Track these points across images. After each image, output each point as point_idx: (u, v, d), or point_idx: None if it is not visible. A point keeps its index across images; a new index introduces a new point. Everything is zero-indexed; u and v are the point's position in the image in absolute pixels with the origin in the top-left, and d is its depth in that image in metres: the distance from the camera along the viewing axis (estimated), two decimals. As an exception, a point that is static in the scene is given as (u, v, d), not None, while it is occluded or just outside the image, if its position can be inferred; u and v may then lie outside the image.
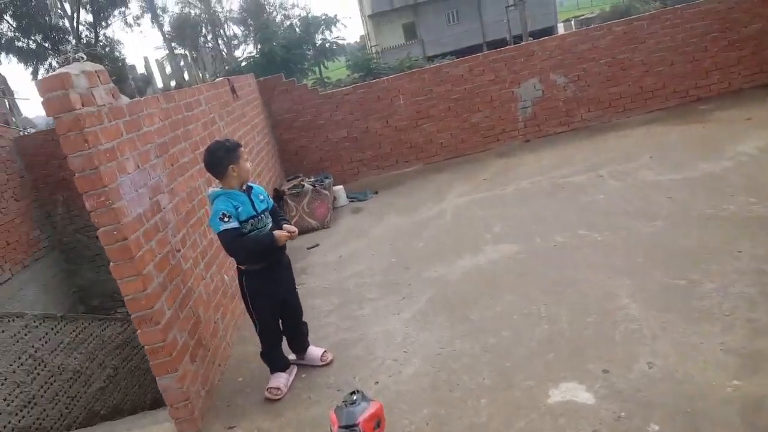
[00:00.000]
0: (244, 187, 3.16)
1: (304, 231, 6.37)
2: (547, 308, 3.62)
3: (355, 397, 2.49)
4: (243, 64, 26.97)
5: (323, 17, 31.77)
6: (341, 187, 7.26)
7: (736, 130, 6.53)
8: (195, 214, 3.95)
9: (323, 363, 3.53)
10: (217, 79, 5.78)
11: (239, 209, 3.07)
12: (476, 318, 3.69)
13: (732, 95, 8.15)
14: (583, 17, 48.87)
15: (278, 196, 6.82)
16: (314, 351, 3.59)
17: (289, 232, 3.20)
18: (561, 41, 8.01)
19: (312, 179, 7.21)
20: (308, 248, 5.86)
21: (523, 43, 8.03)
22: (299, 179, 7.16)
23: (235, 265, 3.33)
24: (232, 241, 3.03)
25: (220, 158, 3.06)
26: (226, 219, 2.99)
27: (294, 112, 8.00)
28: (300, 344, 3.59)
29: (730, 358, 2.80)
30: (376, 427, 2.41)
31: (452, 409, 2.85)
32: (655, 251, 4.05)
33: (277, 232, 3.16)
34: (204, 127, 4.71)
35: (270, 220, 3.28)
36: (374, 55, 27.65)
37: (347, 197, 7.25)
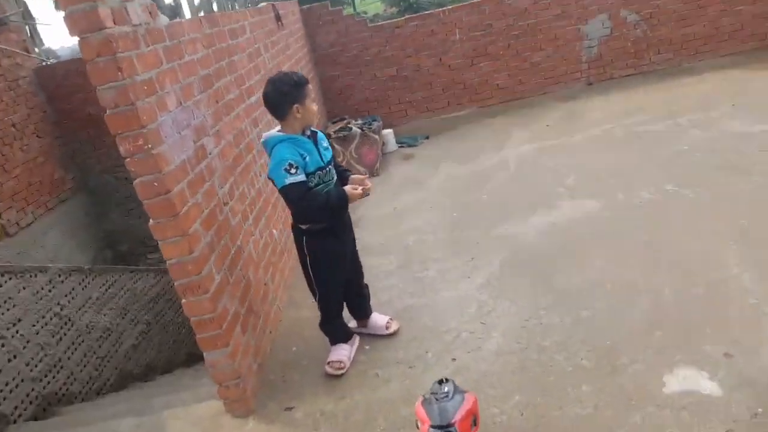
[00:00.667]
0: (308, 132, 2.70)
1: (352, 178, 5.98)
2: (644, 276, 3.19)
3: (446, 389, 2.07)
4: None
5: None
6: (390, 130, 6.78)
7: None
8: (242, 160, 3.55)
9: (388, 332, 3.17)
10: (261, 4, 5.24)
11: (306, 159, 2.60)
12: (562, 286, 3.29)
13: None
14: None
15: (324, 139, 6.39)
16: (378, 318, 3.22)
17: (363, 188, 2.76)
18: (636, -29, 7.14)
19: (359, 122, 6.73)
20: (358, 197, 5.47)
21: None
22: (345, 121, 6.69)
23: (290, 222, 2.91)
24: (302, 198, 2.57)
25: (285, 94, 2.57)
26: (293, 170, 2.53)
27: (339, 46, 7.41)
28: (362, 310, 3.23)
29: None
30: (472, 425, 2.05)
31: (549, 397, 2.49)
32: (759, 212, 3.55)
33: (349, 190, 2.72)
34: (249, 59, 4.24)
35: (334, 171, 2.87)
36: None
37: (396, 142, 6.78)
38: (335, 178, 2.83)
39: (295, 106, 2.58)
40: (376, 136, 6.31)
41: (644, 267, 3.28)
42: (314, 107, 2.70)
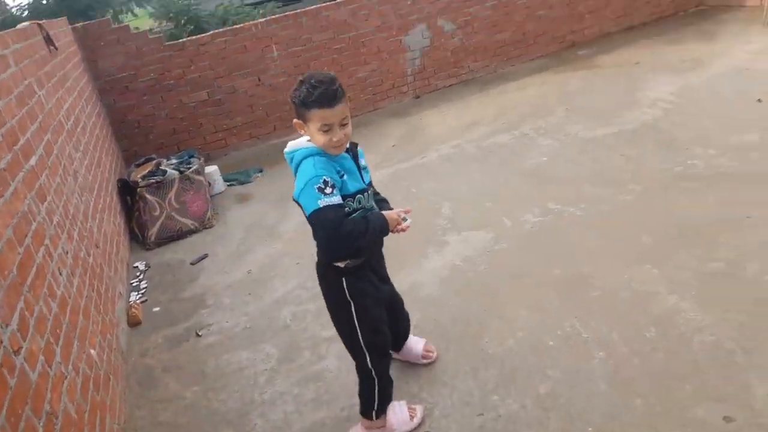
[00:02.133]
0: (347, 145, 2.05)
1: (176, 236, 4.77)
2: (582, 324, 2.79)
3: None
4: (25, 12, 21.45)
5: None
6: (215, 167, 5.64)
7: (632, 75, 6.37)
8: (33, 262, 2.29)
9: (426, 362, 2.73)
10: (22, 24, 3.80)
11: (344, 177, 2.01)
12: (498, 353, 2.72)
13: (603, 39, 8.12)
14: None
15: (128, 189, 5.03)
16: (414, 343, 2.73)
17: (400, 213, 2.18)
18: (446, -19, 7.09)
19: (173, 161, 5.47)
20: (192, 263, 4.31)
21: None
22: (154, 162, 5.37)
23: (318, 263, 2.21)
24: (339, 225, 1.91)
25: (295, 105, 2.00)
26: (328, 190, 1.91)
27: (131, 70, 6.00)
28: (400, 340, 2.70)
29: None
30: None
31: None
32: (655, 226, 3.45)
33: (390, 215, 2.14)
34: (20, 103, 2.93)
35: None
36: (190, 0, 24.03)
37: (224, 180, 5.68)
38: (374, 206, 2.19)
39: (305, 122, 1.99)
40: (200, 177, 5.16)
41: (575, 310, 2.89)
42: (325, 138, 1.95)
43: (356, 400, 2.44)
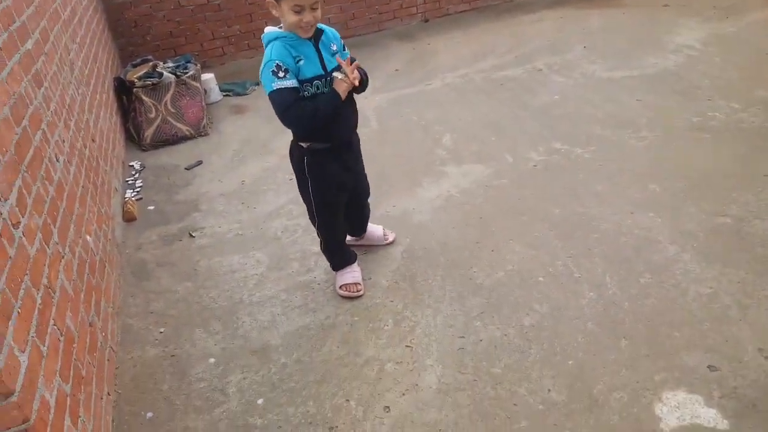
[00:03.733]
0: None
1: (171, 140, 4.63)
2: (576, 263, 2.74)
3: None
4: None
5: None
6: (211, 75, 5.40)
7: (659, 17, 6.03)
8: (30, 144, 2.19)
9: (387, 242, 3.02)
10: None
11: (300, 63, 2.17)
12: (486, 283, 2.68)
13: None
14: None
15: (124, 89, 4.82)
16: (374, 229, 3.00)
17: (350, 74, 2.21)
18: None
19: (170, 64, 5.21)
20: (187, 168, 4.21)
21: None
22: (151, 64, 5.12)
23: (291, 141, 2.50)
24: (290, 106, 2.14)
25: None
26: (281, 74, 2.12)
27: (127, -36, 5.63)
28: (361, 228, 2.96)
29: None
30: None
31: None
32: (665, 175, 3.33)
33: (336, 82, 2.23)
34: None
35: None
36: None
37: (220, 90, 5.45)
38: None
39: (278, 2, 2.11)
40: (197, 84, 4.94)
41: (570, 249, 2.83)
42: (295, 18, 2.08)
43: (341, 311, 2.64)
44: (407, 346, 2.40)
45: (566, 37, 5.81)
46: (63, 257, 2.20)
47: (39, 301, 1.81)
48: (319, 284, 2.83)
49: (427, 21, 6.96)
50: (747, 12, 5.82)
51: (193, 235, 3.36)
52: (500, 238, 2.98)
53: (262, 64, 2.18)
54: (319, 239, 2.76)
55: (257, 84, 5.62)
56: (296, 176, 2.55)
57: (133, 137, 4.71)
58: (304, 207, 3.36)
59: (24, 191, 1.96)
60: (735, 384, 2.05)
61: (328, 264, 2.79)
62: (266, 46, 2.19)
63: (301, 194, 2.61)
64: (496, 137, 4.03)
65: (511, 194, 3.36)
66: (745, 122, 3.79)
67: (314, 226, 2.69)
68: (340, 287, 2.70)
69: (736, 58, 4.77)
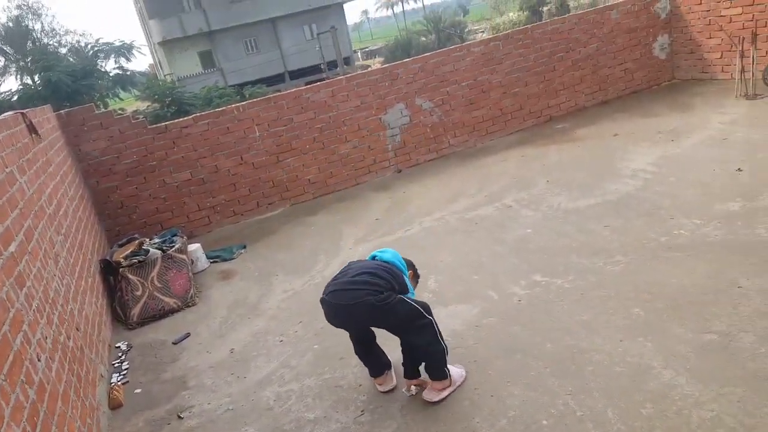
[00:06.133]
0: None
1: (159, 315, 4.63)
2: (576, 401, 2.69)
3: None
4: (14, 98, 21.93)
5: (118, 43, 27.43)
6: (198, 244, 5.58)
7: (611, 146, 6.54)
8: (10, 352, 2.19)
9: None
10: (5, 115, 3.84)
11: None
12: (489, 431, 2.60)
13: (579, 113, 8.41)
14: (367, 48, 51.70)
15: (110, 270, 4.92)
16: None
17: None
18: (423, 63, 7.37)
19: (156, 240, 5.41)
20: (175, 342, 4.17)
21: (387, 65, 7.25)
22: (136, 242, 5.31)
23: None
24: None
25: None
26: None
27: (114, 153, 6.06)
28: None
29: None
30: None
31: None
32: (646, 297, 3.41)
33: None
34: (1, 189, 2.90)
35: None
36: (174, 83, 24.82)
37: (207, 257, 5.60)
38: None
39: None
40: (183, 256, 5.09)
41: (568, 386, 2.79)
42: None
43: None
44: None
45: (530, 173, 6.22)
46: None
47: None
48: (317, 455, 2.70)
49: (400, 171, 7.43)
50: (689, 133, 6.37)
51: (182, 416, 3.24)
52: (498, 382, 2.94)
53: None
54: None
55: (244, 247, 5.80)
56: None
57: (120, 317, 4.70)
58: (297, 370, 3.42)
59: (2, 402, 1.92)
60: None
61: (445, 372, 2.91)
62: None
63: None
64: (477, 275, 4.14)
65: (501, 332, 3.38)
66: (710, 236, 3.98)
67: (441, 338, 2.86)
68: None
69: (688, 177, 5.12)
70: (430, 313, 2.83)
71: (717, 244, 3.85)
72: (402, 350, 3.00)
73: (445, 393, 2.89)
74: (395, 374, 3.13)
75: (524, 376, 2.94)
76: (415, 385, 2.99)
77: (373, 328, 3.03)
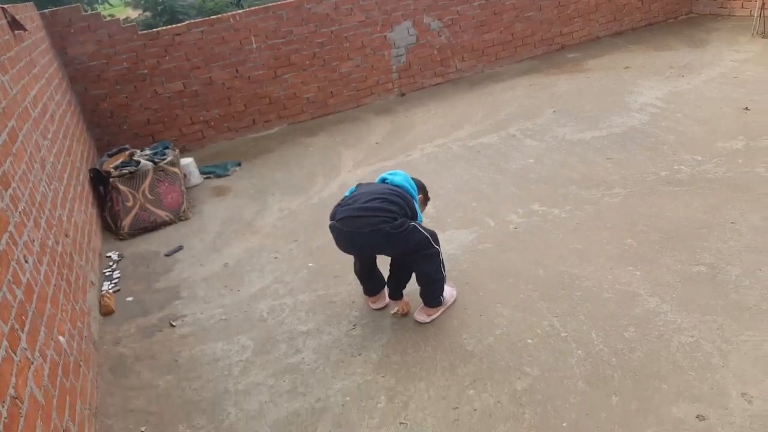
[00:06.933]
0: None
1: (150, 227, 4.61)
2: (562, 323, 2.74)
3: None
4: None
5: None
6: (191, 159, 5.49)
7: (622, 79, 6.36)
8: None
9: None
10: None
11: None
12: (477, 348, 2.65)
13: (592, 43, 8.11)
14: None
15: (100, 180, 4.86)
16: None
17: None
18: (433, -23, 7.01)
19: (147, 152, 5.31)
20: (167, 254, 4.17)
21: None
22: (127, 152, 5.21)
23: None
24: None
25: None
26: None
27: (103, 58, 5.82)
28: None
29: (840, 378, 2.21)
30: None
31: None
32: (641, 228, 3.41)
33: None
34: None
35: None
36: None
37: (201, 172, 5.53)
38: None
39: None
40: (176, 169, 5.01)
41: (556, 309, 2.83)
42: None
43: (332, 391, 2.56)
44: (401, 423, 2.34)
45: (537, 102, 6.07)
46: (32, 363, 2.12)
47: (5, 414, 1.72)
48: (308, 365, 2.76)
49: (403, 95, 7.23)
50: (701, 70, 6.18)
51: (174, 324, 3.28)
52: (488, 303, 2.98)
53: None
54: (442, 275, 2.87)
55: (239, 164, 5.72)
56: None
57: (111, 227, 4.68)
58: (290, 286, 3.44)
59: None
60: (721, 429, 2.03)
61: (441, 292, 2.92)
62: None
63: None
64: (477, 203, 4.11)
65: (495, 257, 3.39)
66: (709, 173, 3.93)
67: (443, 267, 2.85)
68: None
69: (696, 113, 5.00)
70: (438, 243, 2.81)
71: (716, 181, 3.81)
72: (391, 271, 3.01)
73: (436, 314, 2.93)
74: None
75: (514, 298, 2.98)
76: (401, 309, 3.01)
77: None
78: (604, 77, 6.53)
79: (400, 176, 2.98)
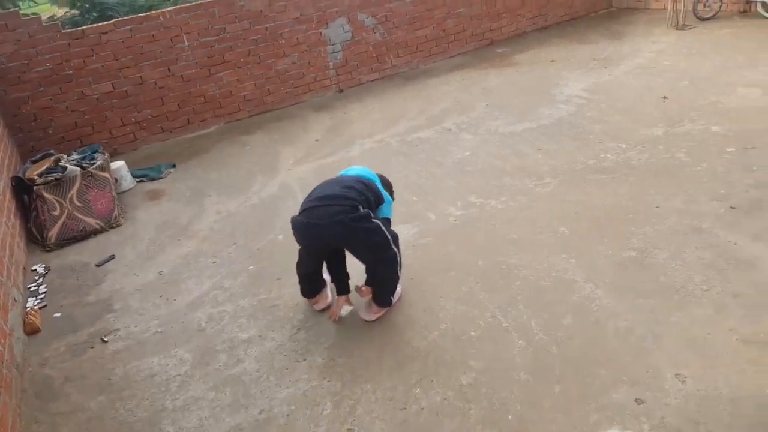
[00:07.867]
0: None
1: (80, 237, 4.39)
2: (503, 313, 2.81)
3: None
4: None
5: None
6: (122, 162, 5.26)
7: (548, 72, 6.58)
8: None
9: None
10: None
11: None
12: (422, 346, 2.69)
13: (519, 38, 8.35)
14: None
15: (23, 188, 4.57)
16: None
17: None
18: (363, -26, 7.00)
19: (74, 156, 5.04)
20: (98, 264, 3.98)
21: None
22: (53, 158, 4.92)
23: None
24: None
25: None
26: None
27: (23, 59, 5.47)
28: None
29: (752, 350, 2.39)
30: None
31: None
32: (572, 216, 3.56)
33: None
34: None
35: None
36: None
37: (133, 176, 5.31)
38: None
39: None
40: (106, 174, 4.78)
41: (496, 300, 2.91)
42: None
43: (276, 401, 2.46)
44: (349, 429, 2.33)
45: (470, 97, 6.18)
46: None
47: None
48: (250, 375, 2.70)
49: (341, 91, 7.20)
50: (621, 61, 6.50)
51: (106, 339, 3.12)
52: (431, 298, 3.02)
53: (388, 201, 3.08)
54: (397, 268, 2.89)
55: (173, 166, 5.53)
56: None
57: (36, 238, 4.42)
58: (230, 291, 3.38)
59: None
60: (661, 414, 2.15)
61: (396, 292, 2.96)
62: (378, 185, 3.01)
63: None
64: (417, 197, 4.16)
65: (437, 251, 3.44)
66: (633, 160, 4.15)
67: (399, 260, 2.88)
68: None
69: (618, 103, 5.26)
70: (398, 246, 2.84)
71: (640, 167, 4.02)
72: (329, 269, 3.01)
73: (383, 312, 2.94)
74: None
75: (456, 291, 3.04)
76: (363, 294, 2.95)
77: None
78: (531, 71, 6.75)
79: (356, 169, 3.08)
